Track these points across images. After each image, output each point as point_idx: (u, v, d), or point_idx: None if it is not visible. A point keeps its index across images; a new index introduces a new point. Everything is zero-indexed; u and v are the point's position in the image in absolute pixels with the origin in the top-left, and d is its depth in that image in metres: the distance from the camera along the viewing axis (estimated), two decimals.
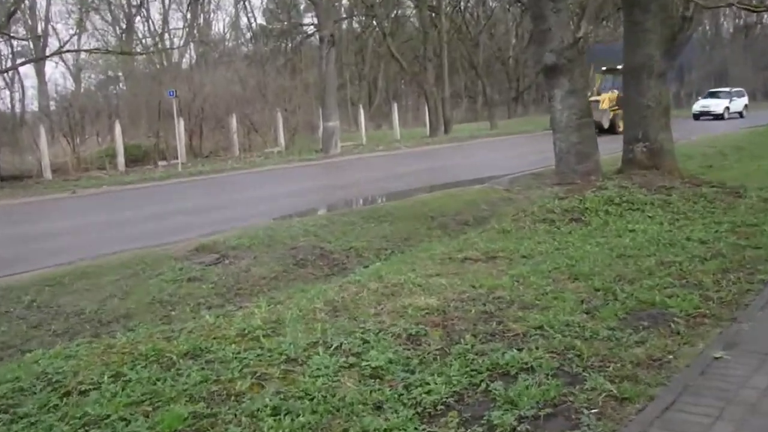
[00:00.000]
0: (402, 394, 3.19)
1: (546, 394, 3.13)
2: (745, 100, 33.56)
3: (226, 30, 46.06)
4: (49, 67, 39.89)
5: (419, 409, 3.06)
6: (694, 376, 3.34)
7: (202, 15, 41.10)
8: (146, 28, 39.90)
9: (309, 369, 3.46)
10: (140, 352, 3.75)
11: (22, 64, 30.25)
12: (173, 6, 39.64)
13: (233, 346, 3.79)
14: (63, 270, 6.97)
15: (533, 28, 13.68)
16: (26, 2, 29.33)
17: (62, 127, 19.88)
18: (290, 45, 40.38)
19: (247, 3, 49.04)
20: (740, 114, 32.08)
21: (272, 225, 8.74)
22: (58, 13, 36.53)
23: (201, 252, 7.46)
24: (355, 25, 40.95)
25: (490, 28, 40.96)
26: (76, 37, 32.88)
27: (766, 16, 41.05)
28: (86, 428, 2.98)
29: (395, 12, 36.44)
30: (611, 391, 3.16)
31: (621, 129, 21.31)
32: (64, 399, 3.27)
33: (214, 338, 3.94)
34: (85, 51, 32.40)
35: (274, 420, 2.96)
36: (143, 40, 38.19)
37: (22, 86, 35.73)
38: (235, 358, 3.62)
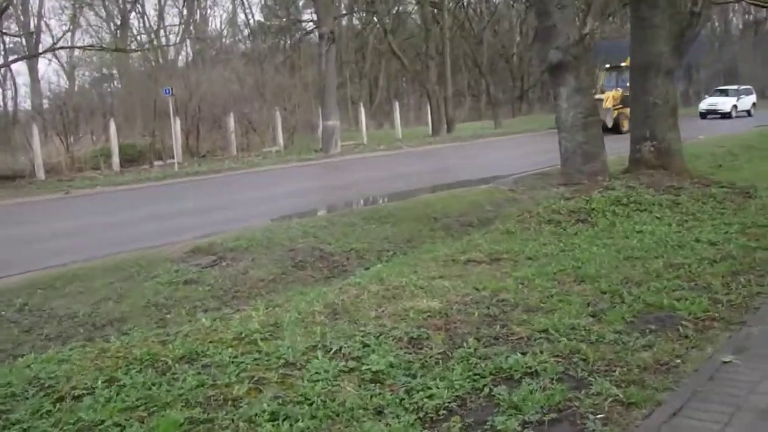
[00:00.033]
0: (403, 399, 3.19)
1: (551, 399, 3.13)
2: (753, 98, 33.49)
3: (223, 27, 46.20)
4: (42, 64, 40.03)
5: (421, 415, 3.06)
6: (702, 381, 3.34)
7: (198, 11, 41.23)
8: (141, 25, 40.01)
9: (308, 373, 3.46)
10: (135, 356, 3.75)
11: (15, 61, 30.35)
12: (169, 2, 39.81)
13: (230, 350, 3.79)
14: (55, 272, 6.97)
15: (538, 24, 13.68)
16: None
17: (56, 125, 19.91)
18: (289, 42, 40.43)
19: None
20: (748, 112, 32.03)
21: (270, 226, 8.75)
22: (51, 9, 36.78)
23: (197, 254, 7.46)
24: (356, 21, 41.04)
25: (493, 24, 41.02)
26: (69, 34, 32.97)
27: None
28: None
29: (396, 8, 36.50)
30: (617, 396, 3.16)
31: (625, 128, 21.46)
32: (57, 404, 3.27)
33: (211, 342, 3.94)
34: (79, 48, 32.53)
35: (272, 425, 2.97)
36: (138, 37, 38.31)
37: (15, 84, 35.86)
38: (232, 362, 3.62)
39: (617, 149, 11.69)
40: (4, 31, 25.88)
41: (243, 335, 4.01)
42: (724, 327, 4.10)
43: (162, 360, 3.68)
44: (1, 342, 5.59)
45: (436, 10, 31.55)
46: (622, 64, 23.63)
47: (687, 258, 5.61)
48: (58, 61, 36.58)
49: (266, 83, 25.82)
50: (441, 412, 3.08)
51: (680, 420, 2.96)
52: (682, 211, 7.74)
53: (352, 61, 41.71)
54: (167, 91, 18.70)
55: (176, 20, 41.48)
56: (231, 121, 22.01)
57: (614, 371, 3.44)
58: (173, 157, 19.25)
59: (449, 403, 3.15)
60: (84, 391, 3.35)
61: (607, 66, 24.61)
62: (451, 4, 34.41)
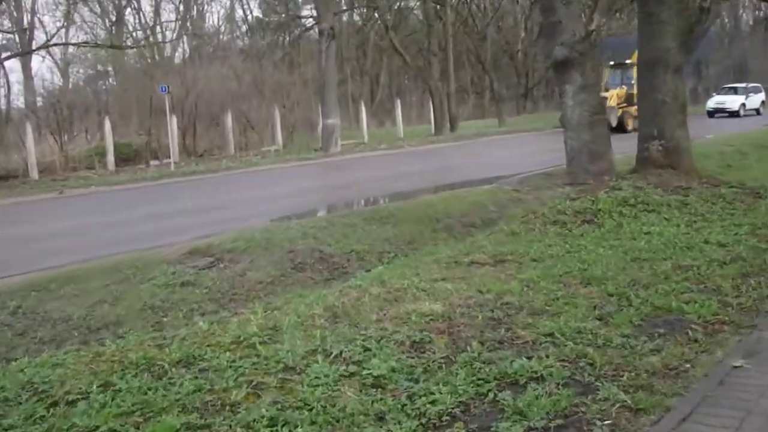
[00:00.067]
0: (405, 405, 3.19)
1: (557, 404, 3.13)
2: (762, 96, 33.39)
3: (220, 22, 46.24)
4: (36, 61, 40.11)
5: (423, 420, 3.06)
6: (712, 385, 3.34)
7: (195, 7, 41.24)
8: (137, 21, 40.00)
9: (307, 378, 3.46)
10: (130, 360, 3.75)
11: (8, 58, 30.36)
12: None
13: (228, 353, 3.80)
14: (50, 274, 6.98)
15: (543, 20, 13.68)
16: None
17: (49, 124, 19.94)
18: (288, 38, 40.46)
19: None
20: (757, 111, 31.95)
21: (269, 227, 8.75)
22: (44, 5, 36.58)
23: (194, 255, 7.47)
24: (356, 17, 41.01)
25: (497, 20, 40.99)
26: (63, 30, 33.05)
27: None
28: None
29: (398, 3, 36.52)
30: (625, 401, 3.16)
31: (630, 127, 21.51)
32: (51, 410, 3.27)
33: (208, 346, 3.94)
34: (73, 44, 32.60)
35: (271, 431, 2.97)
36: (134, 33, 38.30)
37: (8, 81, 35.83)
38: (230, 366, 3.62)
39: (624, 148, 11.69)
40: None
41: (241, 339, 4.01)
42: (734, 330, 4.09)
43: (158, 364, 3.68)
44: None
45: (438, 6, 31.55)
46: (627, 61, 23.61)
47: (696, 260, 5.61)
48: (52, 58, 36.70)
49: (265, 80, 25.86)
50: (444, 418, 3.08)
51: (689, 426, 2.95)
52: (691, 212, 7.74)
53: (352, 57, 41.74)
54: (163, 89, 18.73)
55: (172, 16, 41.58)
56: (229, 120, 22.03)
57: (622, 376, 3.44)
58: (169, 157, 19.27)
59: (452, 408, 3.15)
60: (78, 396, 3.36)
61: (612, 63, 24.50)
62: (453, 0, 34.43)
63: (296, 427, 2.99)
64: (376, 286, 5.11)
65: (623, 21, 34.80)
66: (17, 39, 32.58)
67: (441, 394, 3.25)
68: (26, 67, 32.70)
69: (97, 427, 3.05)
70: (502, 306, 4.58)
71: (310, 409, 3.15)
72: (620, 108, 22.33)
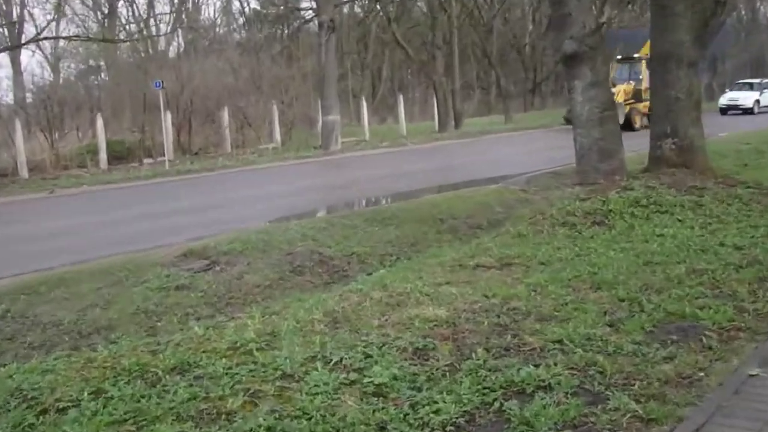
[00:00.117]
0: (408, 414, 3.19)
1: (565, 414, 3.14)
2: None
3: (216, 15, 46.30)
4: (25, 55, 40.23)
5: (426, 430, 3.07)
6: (727, 395, 3.34)
7: None
8: (130, 14, 40.04)
9: (306, 386, 3.47)
10: (123, 366, 3.76)
11: None
12: None
13: (224, 360, 3.81)
14: (39, 277, 7.00)
15: (552, 12, 13.69)
16: None
17: (39, 121, 19.95)
18: (287, 31, 40.46)
19: None
20: None
21: (267, 228, 8.77)
22: None
23: (189, 257, 7.48)
24: (357, 9, 40.98)
25: (504, 12, 40.96)
26: (54, 24, 33.01)
27: None
28: None
29: None
30: (636, 411, 3.16)
31: (637, 125, 21.48)
32: (41, 417, 3.28)
33: (204, 352, 3.95)
34: (64, 38, 32.54)
35: None
36: (127, 27, 38.37)
37: None
38: (226, 373, 3.63)
39: (635, 146, 11.69)
40: None
41: (238, 345, 4.02)
42: (750, 337, 4.09)
43: (152, 371, 3.69)
44: None
45: None
46: (635, 55, 23.58)
47: (711, 263, 5.61)
48: (42, 52, 36.68)
49: (262, 75, 25.86)
50: (448, 428, 3.09)
51: None
52: (706, 213, 7.73)
53: (353, 51, 41.74)
54: (158, 84, 18.73)
55: (167, 8, 41.65)
56: (225, 116, 22.03)
57: (633, 385, 3.44)
58: (164, 154, 19.28)
59: (457, 418, 3.16)
60: (69, 404, 3.37)
61: (619, 57, 24.38)
62: None
63: None
64: (377, 290, 5.12)
65: (635, 13, 34.79)
66: (6, 33, 32.65)
67: (445, 403, 3.26)
68: (15, 62, 32.78)
69: None
70: (509, 311, 4.59)
71: (309, 419, 3.15)
72: (627, 104, 22.15)
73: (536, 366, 3.64)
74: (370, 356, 3.81)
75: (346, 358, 3.77)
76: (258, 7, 42.35)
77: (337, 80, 25.31)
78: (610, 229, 7.28)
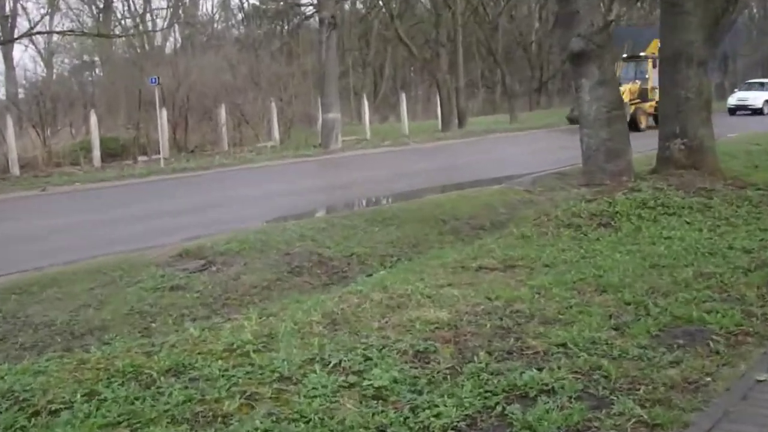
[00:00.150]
0: (408, 418, 3.21)
1: (569, 419, 3.15)
2: None
3: (214, 10, 46.27)
4: (18, 50, 40.22)
5: None
6: (734, 400, 3.35)
7: None
8: (126, 8, 39.99)
9: (304, 388, 3.48)
10: (117, 368, 3.78)
11: None
12: None
13: (220, 362, 3.82)
14: (31, 277, 7.02)
15: (559, 9, 13.72)
16: None
17: (32, 117, 19.99)
18: (286, 27, 40.52)
19: None
20: None
21: (265, 228, 8.78)
22: None
23: (185, 257, 7.50)
24: (359, 5, 41.08)
25: (510, 9, 40.97)
26: (48, 18, 33.09)
27: None
28: None
29: None
30: (641, 416, 3.18)
31: (643, 125, 21.45)
32: (33, 419, 3.30)
33: (199, 353, 3.97)
34: (58, 33, 32.61)
35: None
36: (122, 21, 38.34)
37: None
38: (223, 375, 3.64)
39: (642, 147, 11.69)
40: None
41: (234, 346, 4.04)
42: (758, 342, 4.10)
43: (146, 372, 3.71)
44: None
45: None
46: (641, 54, 23.56)
47: (719, 267, 5.62)
48: (35, 47, 36.71)
49: (261, 72, 25.89)
50: (449, 431, 3.10)
51: None
52: (715, 216, 7.74)
53: (355, 48, 41.76)
54: (153, 80, 18.75)
55: (164, 3, 41.63)
56: (222, 113, 22.06)
57: (638, 389, 3.45)
58: (159, 152, 19.30)
59: (458, 422, 3.17)
60: (62, 406, 3.38)
61: (624, 56, 24.33)
62: None
63: None
64: (377, 292, 5.13)
65: (644, 11, 34.83)
66: None
67: (446, 406, 3.27)
68: (8, 57, 32.77)
69: None
70: (512, 314, 4.60)
71: (307, 422, 3.17)
72: (633, 104, 22.05)
73: (539, 370, 3.65)
74: (370, 359, 3.82)
75: (345, 361, 3.79)
76: (257, 3, 42.36)
77: (338, 78, 25.32)
78: (617, 231, 7.29)
